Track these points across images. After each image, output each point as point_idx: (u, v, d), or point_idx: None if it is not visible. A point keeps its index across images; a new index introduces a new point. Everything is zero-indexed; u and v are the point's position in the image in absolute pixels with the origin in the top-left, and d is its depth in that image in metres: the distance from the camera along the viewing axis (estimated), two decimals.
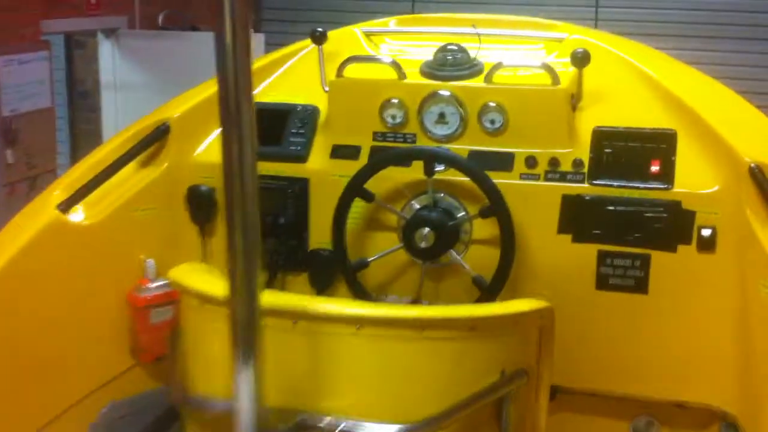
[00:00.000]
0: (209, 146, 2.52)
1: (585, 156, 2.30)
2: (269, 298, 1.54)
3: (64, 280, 2.25)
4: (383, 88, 2.43)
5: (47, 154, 5.43)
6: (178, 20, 5.85)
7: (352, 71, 2.47)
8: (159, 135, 2.51)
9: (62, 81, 6.39)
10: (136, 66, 5.71)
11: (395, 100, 2.42)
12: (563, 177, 2.30)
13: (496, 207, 2.23)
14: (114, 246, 2.40)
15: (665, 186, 2.23)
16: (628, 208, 2.24)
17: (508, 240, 2.22)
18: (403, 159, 2.35)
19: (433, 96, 2.40)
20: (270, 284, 2.50)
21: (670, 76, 2.46)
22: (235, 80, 1.28)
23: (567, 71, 2.35)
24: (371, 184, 2.33)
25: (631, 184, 2.26)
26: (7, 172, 5.16)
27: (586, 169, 2.29)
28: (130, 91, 5.68)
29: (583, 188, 2.28)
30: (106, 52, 5.77)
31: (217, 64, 1.28)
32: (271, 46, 5.11)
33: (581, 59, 2.25)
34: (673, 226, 2.21)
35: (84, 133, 6.73)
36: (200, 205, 2.51)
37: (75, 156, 6.33)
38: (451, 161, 2.30)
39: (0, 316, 2.09)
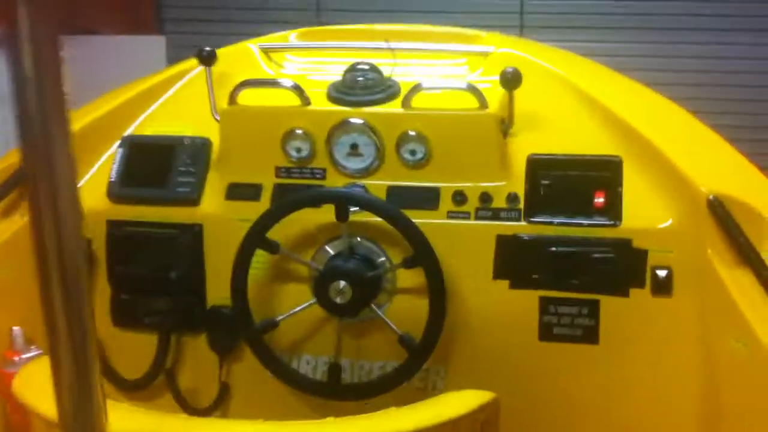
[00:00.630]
0: (81, 190, 2.15)
1: (520, 189, 2.02)
2: (122, 420, 1.17)
3: None
4: (284, 116, 2.10)
5: None
6: (69, 24, 5.39)
7: (248, 97, 2.12)
8: (19, 179, 2.13)
9: None
10: None
11: (299, 131, 2.09)
12: (496, 215, 2.02)
13: (421, 257, 1.93)
14: None
15: (612, 222, 1.97)
16: (572, 249, 1.98)
17: (437, 295, 1.93)
18: (309, 203, 2.02)
19: (343, 125, 2.08)
20: (164, 349, 2.17)
21: (611, 93, 2.19)
22: (40, 110, 0.88)
23: (495, 90, 2.05)
24: (275, 230, 2.00)
25: (573, 221, 1.99)
26: None
27: (522, 205, 2.01)
28: None
29: (520, 227, 2.01)
30: None
31: (15, 94, 0.89)
32: (175, 49, 4.73)
33: (512, 80, 1.96)
34: (624, 267, 1.96)
35: None
36: None
37: None
38: (367, 205, 1.98)
39: None
